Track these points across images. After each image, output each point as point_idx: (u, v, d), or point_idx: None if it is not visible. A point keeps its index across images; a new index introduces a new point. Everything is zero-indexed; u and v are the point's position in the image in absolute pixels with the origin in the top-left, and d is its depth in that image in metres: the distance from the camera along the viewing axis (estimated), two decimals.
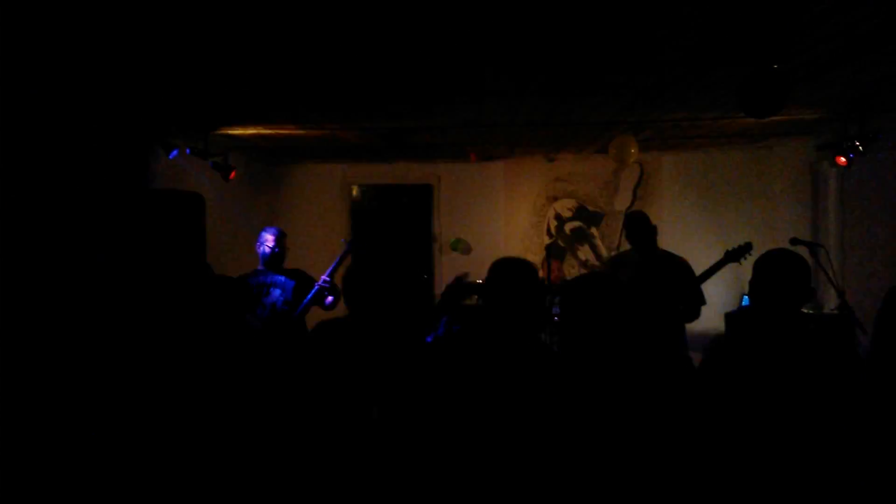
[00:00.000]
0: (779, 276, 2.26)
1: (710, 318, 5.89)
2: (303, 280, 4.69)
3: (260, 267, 4.64)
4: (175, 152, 5.07)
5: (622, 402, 2.06)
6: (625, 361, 2.12)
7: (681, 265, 4.59)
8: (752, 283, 2.32)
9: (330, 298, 4.67)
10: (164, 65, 3.41)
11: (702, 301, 4.49)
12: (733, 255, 4.35)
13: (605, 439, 2.03)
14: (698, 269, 4.48)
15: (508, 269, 2.42)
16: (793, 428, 2.08)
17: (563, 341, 2.32)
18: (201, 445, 2.55)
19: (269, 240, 4.62)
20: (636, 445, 2.01)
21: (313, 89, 4.01)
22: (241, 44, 3.07)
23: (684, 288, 4.45)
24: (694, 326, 4.80)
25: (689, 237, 7.11)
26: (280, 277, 4.61)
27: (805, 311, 6.01)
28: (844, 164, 5.14)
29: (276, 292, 4.58)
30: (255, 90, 4.01)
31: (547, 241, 7.76)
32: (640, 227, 4.62)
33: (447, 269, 7.71)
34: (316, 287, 4.56)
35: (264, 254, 4.61)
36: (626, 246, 4.89)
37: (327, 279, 4.54)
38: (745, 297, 7.02)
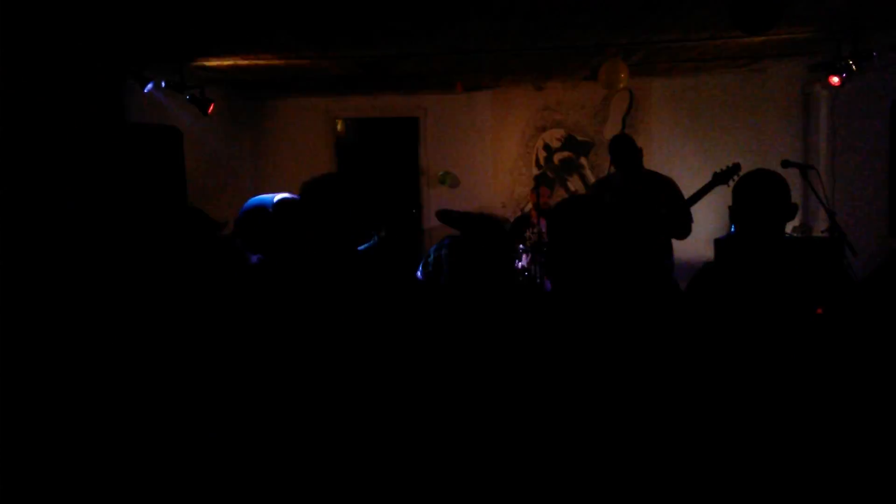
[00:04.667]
0: (758, 198, 2.22)
1: (700, 246, 5.88)
2: None
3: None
4: (150, 85, 4.90)
5: (605, 328, 2.03)
6: (609, 285, 2.08)
7: (666, 182, 4.57)
8: (732, 208, 2.28)
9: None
10: None
11: (690, 218, 4.46)
12: (722, 177, 4.30)
13: (586, 371, 2.00)
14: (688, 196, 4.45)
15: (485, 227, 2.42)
16: (779, 351, 2.07)
17: (550, 266, 2.28)
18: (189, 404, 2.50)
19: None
20: (620, 376, 1.99)
21: (289, 9, 3.85)
22: None
23: (670, 203, 4.42)
24: (683, 254, 4.78)
25: (679, 163, 7.02)
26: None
27: (795, 233, 6.01)
28: (838, 83, 5.03)
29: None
30: (231, 12, 3.85)
31: (536, 171, 7.67)
32: (623, 149, 4.59)
33: (435, 202, 7.63)
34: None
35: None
36: None
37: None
38: None
